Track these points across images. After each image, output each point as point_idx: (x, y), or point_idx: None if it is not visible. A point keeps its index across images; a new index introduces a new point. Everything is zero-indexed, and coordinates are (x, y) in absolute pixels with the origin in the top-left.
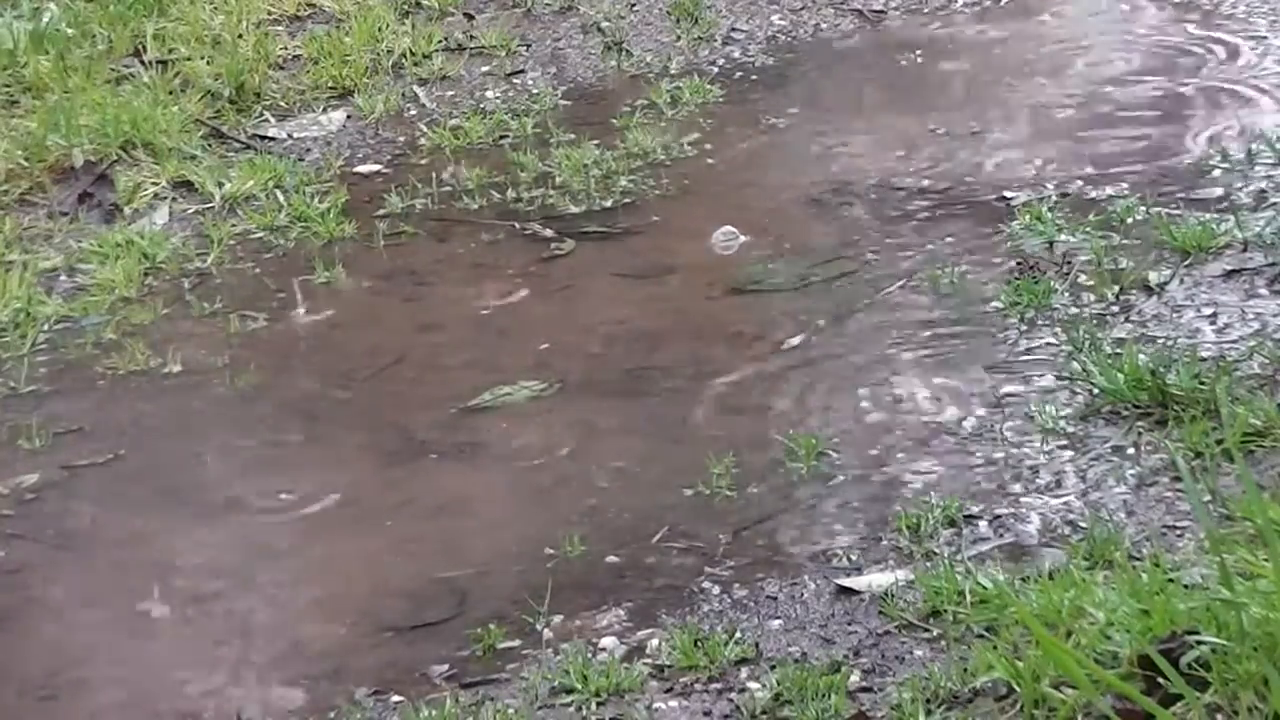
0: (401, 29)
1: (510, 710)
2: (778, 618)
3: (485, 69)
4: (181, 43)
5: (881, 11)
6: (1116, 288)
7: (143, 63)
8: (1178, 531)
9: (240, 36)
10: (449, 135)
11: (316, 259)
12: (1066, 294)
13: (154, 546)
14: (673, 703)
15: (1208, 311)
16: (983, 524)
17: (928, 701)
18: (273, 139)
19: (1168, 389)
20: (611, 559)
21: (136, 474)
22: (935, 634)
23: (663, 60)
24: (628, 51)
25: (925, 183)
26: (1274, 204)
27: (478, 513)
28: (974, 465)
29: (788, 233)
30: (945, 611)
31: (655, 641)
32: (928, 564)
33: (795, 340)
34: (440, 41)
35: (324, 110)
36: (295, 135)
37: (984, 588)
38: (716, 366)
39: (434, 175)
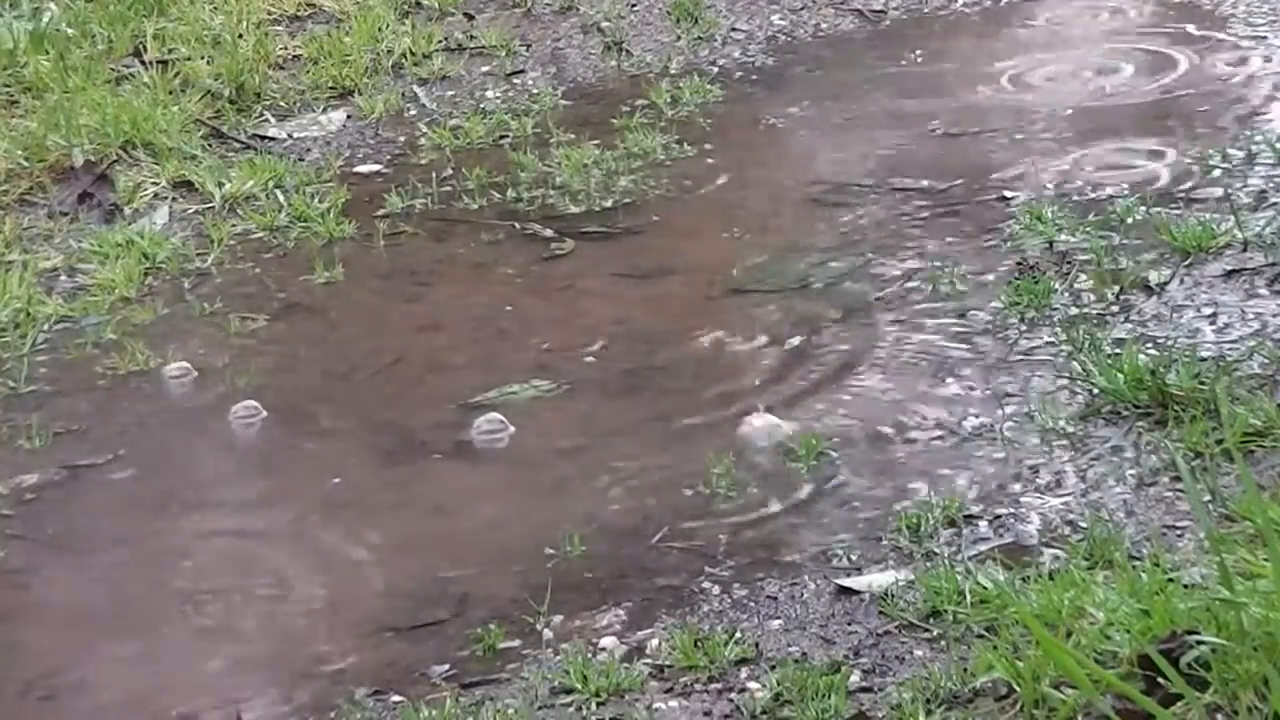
0: (401, 29)
1: (510, 710)
2: (778, 618)
3: (485, 69)
4: (181, 43)
5: (881, 11)
6: (1116, 288)
7: (143, 63)
8: (1178, 531)
9: (240, 36)
10: (449, 135)
11: (316, 259)
12: (1066, 294)
13: (154, 546)
14: (673, 703)
15: (1208, 311)
16: (983, 524)
17: (928, 701)
18: (273, 139)
19: (1168, 389)
20: (611, 559)
21: (136, 474)
22: (935, 634)
23: (663, 60)
24: (628, 51)
25: (925, 183)
26: (1274, 204)
27: (478, 513)
28: (974, 465)
29: (788, 233)
30: (945, 611)
31: (655, 641)
32: (928, 564)
33: (795, 340)
34: (440, 41)
35: (324, 110)
36: (295, 135)
37: (984, 588)
38: (716, 367)
39: (434, 175)
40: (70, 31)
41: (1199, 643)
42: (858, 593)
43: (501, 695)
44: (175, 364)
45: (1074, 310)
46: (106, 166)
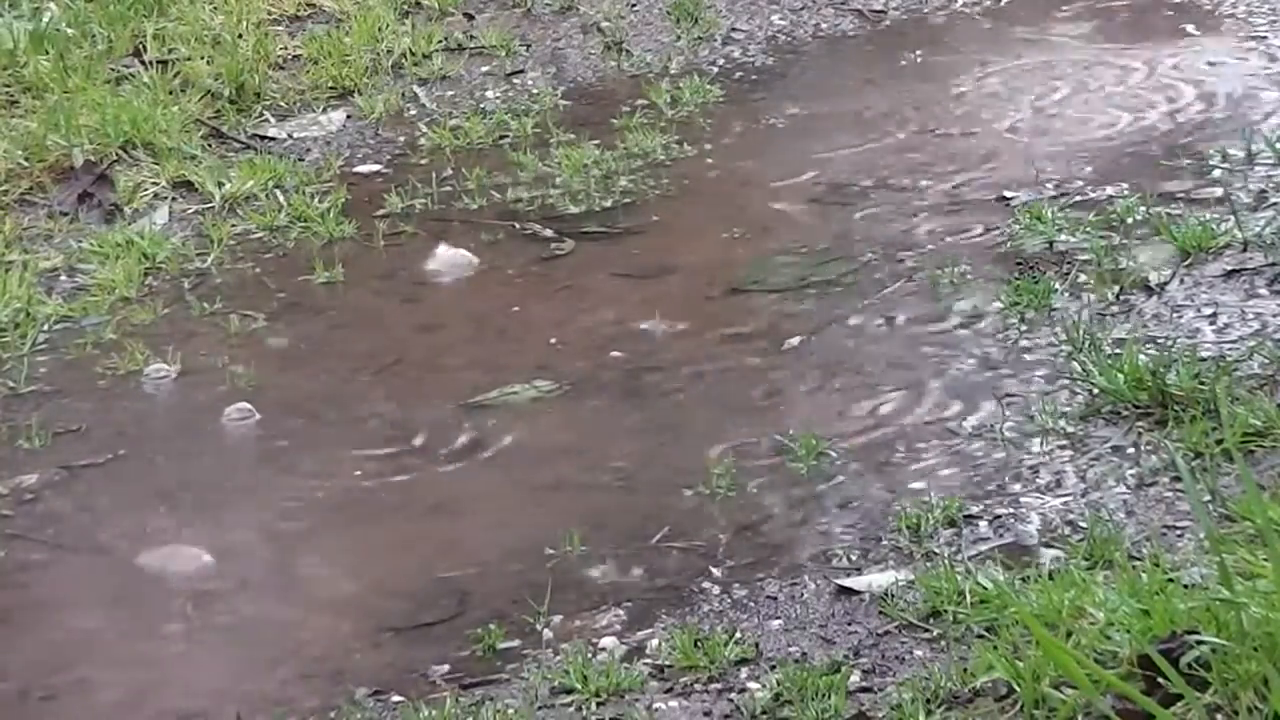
0: (401, 29)
1: (510, 710)
2: (778, 618)
3: (485, 69)
4: (181, 43)
5: (881, 11)
6: (1116, 288)
7: (143, 63)
8: (1178, 531)
9: (240, 36)
10: (449, 135)
11: (316, 259)
12: (1066, 294)
13: (153, 546)
14: (673, 703)
15: (1208, 311)
16: (983, 524)
17: (928, 701)
18: (273, 139)
19: (1168, 389)
20: (611, 559)
21: (136, 474)
22: (935, 634)
23: (663, 60)
24: (628, 51)
25: (925, 183)
26: (1274, 204)
27: (478, 513)
28: (974, 465)
29: (788, 233)
30: (945, 611)
31: (655, 641)
32: (928, 564)
33: (795, 340)
34: (440, 41)
35: (324, 110)
36: (295, 135)
37: (984, 588)
38: (716, 366)
39: (434, 175)
40: (70, 31)
41: (1199, 643)
42: (858, 593)
43: (501, 695)
44: (154, 365)
45: (1074, 310)
46: (106, 166)
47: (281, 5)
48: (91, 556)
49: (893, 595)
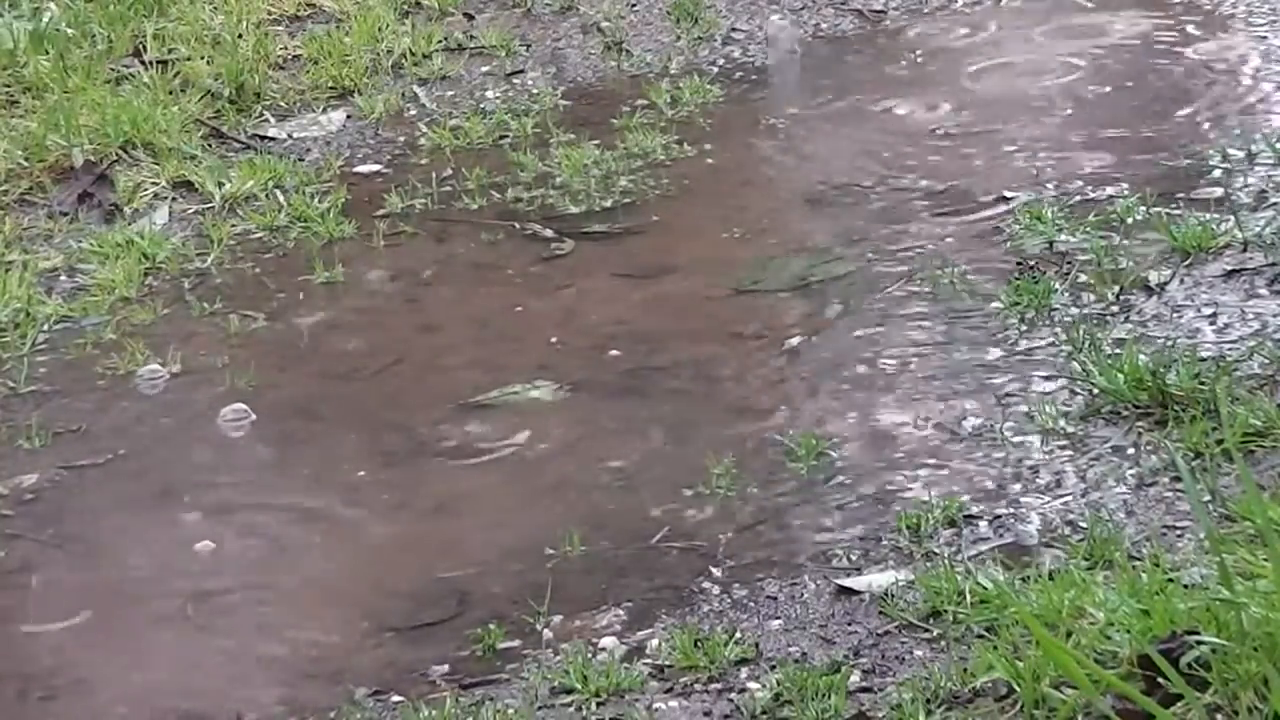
0: (401, 29)
1: (510, 710)
2: (778, 618)
3: (485, 69)
4: (181, 43)
5: (881, 11)
6: (1116, 288)
7: (143, 63)
8: (1178, 531)
9: (240, 36)
10: (449, 135)
11: (316, 259)
12: (1066, 294)
13: (153, 547)
14: (673, 703)
15: (1208, 311)
16: (983, 524)
17: (928, 701)
18: (273, 139)
19: (1168, 389)
20: (611, 559)
21: (136, 474)
22: (935, 634)
23: (663, 60)
24: (628, 51)
25: (925, 183)
26: (1274, 204)
27: (478, 513)
28: (974, 465)
29: (788, 233)
30: (945, 611)
31: (655, 641)
32: (928, 564)
33: (795, 340)
34: (440, 41)
35: (324, 110)
36: (295, 135)
37: (984, 588)
38: (717, 367)
39: (434, 175)
40: (70, 31)
41: (1199, 643)
42: (858, 593)
43: (501, 695)
44: (148, 366)
45: (1074, 310)
46: (106, 166)
47: (281, 5)
48: (91, 556)
49: (893, 595)
